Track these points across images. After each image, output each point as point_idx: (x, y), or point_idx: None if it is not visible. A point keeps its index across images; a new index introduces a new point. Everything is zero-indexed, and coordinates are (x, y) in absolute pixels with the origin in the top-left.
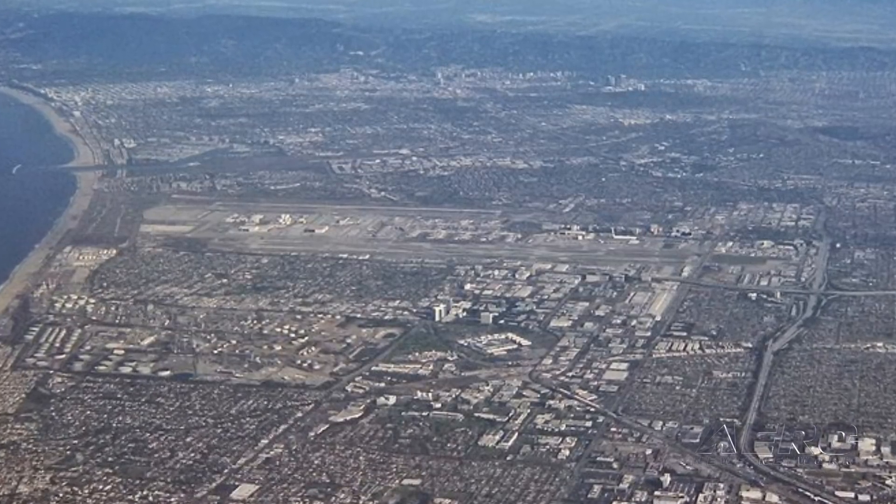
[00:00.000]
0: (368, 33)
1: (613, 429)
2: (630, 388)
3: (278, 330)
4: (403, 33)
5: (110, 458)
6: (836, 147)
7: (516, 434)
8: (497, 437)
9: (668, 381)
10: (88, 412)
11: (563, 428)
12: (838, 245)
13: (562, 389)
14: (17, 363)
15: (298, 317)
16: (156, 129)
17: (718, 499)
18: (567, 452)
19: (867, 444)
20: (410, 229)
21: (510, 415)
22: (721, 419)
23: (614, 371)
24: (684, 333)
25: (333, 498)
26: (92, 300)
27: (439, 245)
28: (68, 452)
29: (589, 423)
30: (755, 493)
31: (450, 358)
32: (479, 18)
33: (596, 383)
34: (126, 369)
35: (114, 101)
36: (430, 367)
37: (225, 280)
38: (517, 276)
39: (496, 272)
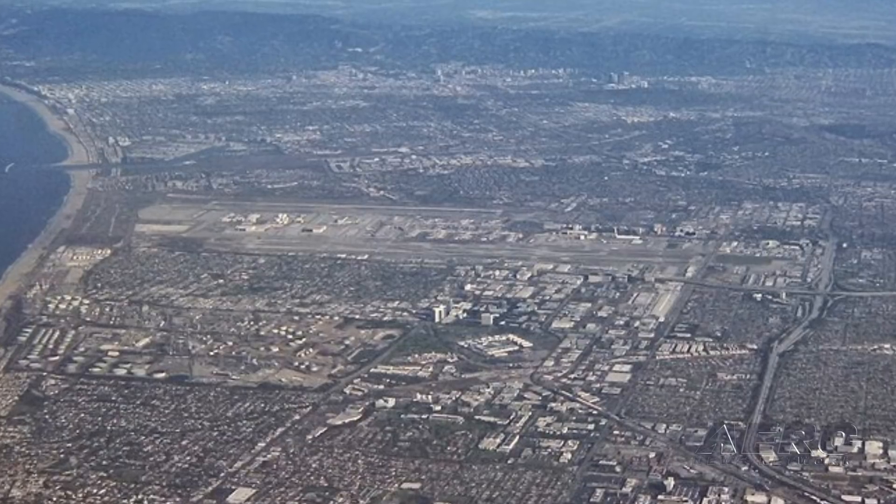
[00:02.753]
0: (367, 30)
1: (616, 432)
2: (633, 391)
3: (275, 331)
4: (403, 30)
5: (104, 462)
6: (843, 145)
7: (517, 437)
8: (498, 441)
9: (671, 383)
10: (82, 415)
11: (564, 431)
12: (845, 245)
13: (564, 392)
14: (9, 365)
15: (296, 318)
16: (151, 126)
17: (723, 502)
18: (569, 456)
19: (874, 448)
20: (410, 229)
21: (511, 417)
22: (725, 422)
23: (617, 373)
24: (688, 335)
25: (332, 502)
26: (86, 301)
27: (439, 245)
28: (62, 456)
29: (591, 426)
30: (760, 497)
31: (450, 360)
32: (479, 15)
33: (598, 385)
34: (121, 371)
35: (108, 99)
36: (430, 368)
37: (221, 280)
38: (518, 276)
39: (497, 272)
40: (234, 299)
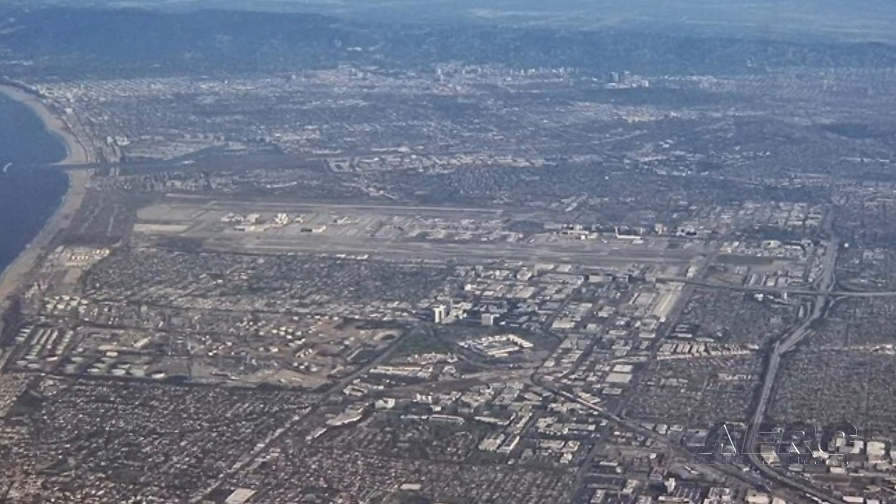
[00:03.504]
0: (367, 28)
1: (617, 432)
2: (634, 391)
3: (275, 332)
4: (402, 28)
5: (103, 463)
6: (845, 145)
7: (518, 438)
8: (498, 441)
9: (672, 383)
10: (81, 415)
11: (565, 432)
12: (846, 245)
13: (564, 392)
14: (7, 365)
15: (295, 318)
16: (149, 126)
17: None
18: (570, 457)
19: (876, 448)
20: (410, 229)
21: (511, 418)
22: (726, 423)
23: (618, 374)
24: (689, 335)
25: (331, 503)
26: (84, 301)
27: (439, 245)
28: (60, 457)
29: (592, 427)
30: (761, 498)
31: (450, 360)
32: (479, 13)
33: (599, 386)
34: (119, 372)
35: (107, 98)
36: (430, 369)
37: (220, 281)
38: (518, 276)
39: (497, 273)
40: (233, 299)
